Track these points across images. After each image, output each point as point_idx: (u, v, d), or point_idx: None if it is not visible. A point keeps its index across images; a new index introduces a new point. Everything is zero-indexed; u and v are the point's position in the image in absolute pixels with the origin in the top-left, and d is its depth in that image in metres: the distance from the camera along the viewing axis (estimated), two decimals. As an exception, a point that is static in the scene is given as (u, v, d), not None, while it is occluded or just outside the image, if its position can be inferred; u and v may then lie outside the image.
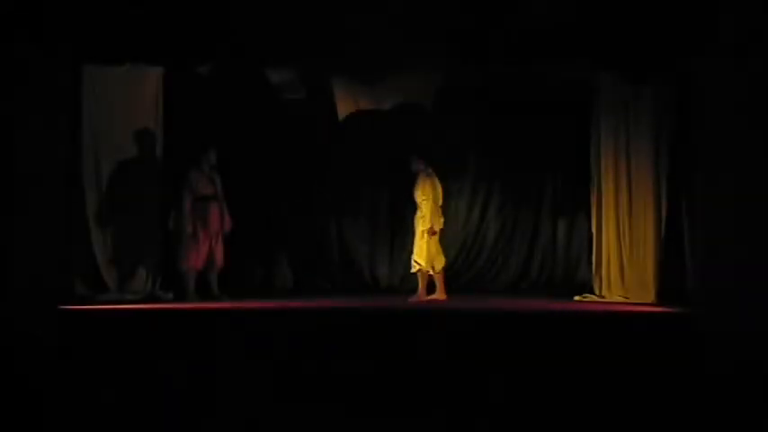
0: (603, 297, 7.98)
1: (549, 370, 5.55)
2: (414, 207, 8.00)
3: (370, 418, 4.65)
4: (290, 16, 6.77)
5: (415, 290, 7.93)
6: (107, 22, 6.75)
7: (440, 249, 7.93)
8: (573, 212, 8.88)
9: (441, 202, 7.98)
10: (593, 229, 8.20)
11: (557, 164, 9.04)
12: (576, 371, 5.52)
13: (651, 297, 7.66)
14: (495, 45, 6.99)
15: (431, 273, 7.86)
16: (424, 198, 7.80)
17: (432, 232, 7.77)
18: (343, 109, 8.47)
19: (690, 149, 6.83)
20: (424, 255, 7.77)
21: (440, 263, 7.91)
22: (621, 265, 7.97)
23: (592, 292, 8.12)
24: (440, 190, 7.95)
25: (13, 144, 5.32)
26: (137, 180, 7.80)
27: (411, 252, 7.96)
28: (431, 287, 7.94)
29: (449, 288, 7.99)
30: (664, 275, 7.66)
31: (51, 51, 5.52)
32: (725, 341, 5.52)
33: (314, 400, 5.02)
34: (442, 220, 8.00)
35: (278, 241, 8.92)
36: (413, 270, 7.91)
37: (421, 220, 7.83)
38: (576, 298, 8.01)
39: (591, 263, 8.30)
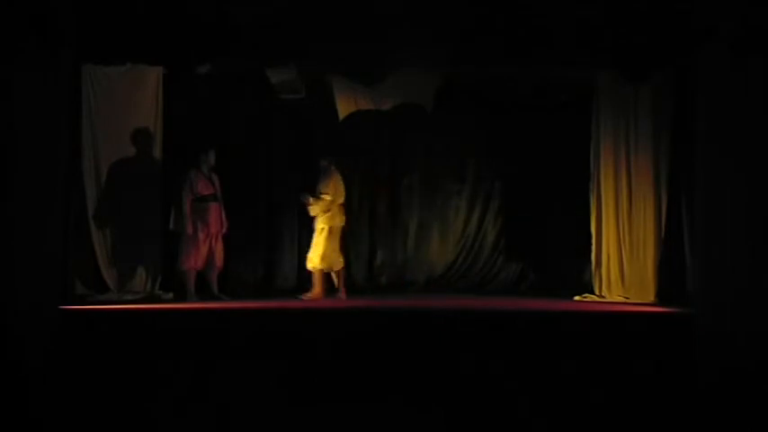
0: (603, 297, 7.98)
1: (549, 370, 5.56)
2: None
3: (370, 417, 4.65)
4: (289, 16, 6.77)
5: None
6: (107, 22, 6.76)
7: (338, 249, 7.88)
8: (573, 212, 8.87)
9: (343, 200, 7.92)
10: (593, 229, 8.20)
11: (556, 164, 9.03)
12: (576, 371, 5.53)
13: (651, 297, 7.67)
14: (495, 45, 6.99)
15: (328, 271, 7.85)
16: (325, 194, 7.78)
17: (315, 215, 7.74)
18: (344, 109, 8.47)
19: (689, 149, 6.83)
20: (319, 253, 7.75)
21: (338, 264, 7.87)
22: (621, 265, 7.97)
23: (592, 292, 8.12)
24: (342, 188, 7.92)
25: (14, 144, 5.31)
26: (137, 180, 7.81)
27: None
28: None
29: (449, 288, 7.97)
30: (664, 275, 7.66)
31: (51, 51, 5.51)
32: (725, 341, 5.52)
33: (314, 400, 5.02)
34: (343, 218, 7.95)
35: (278, 241, 8.91)
36: (308, 267, 7.89)
37: (320, 218, 7.82)
38: (576, 298, 8.01)
39: (591, 263, 8.30)
